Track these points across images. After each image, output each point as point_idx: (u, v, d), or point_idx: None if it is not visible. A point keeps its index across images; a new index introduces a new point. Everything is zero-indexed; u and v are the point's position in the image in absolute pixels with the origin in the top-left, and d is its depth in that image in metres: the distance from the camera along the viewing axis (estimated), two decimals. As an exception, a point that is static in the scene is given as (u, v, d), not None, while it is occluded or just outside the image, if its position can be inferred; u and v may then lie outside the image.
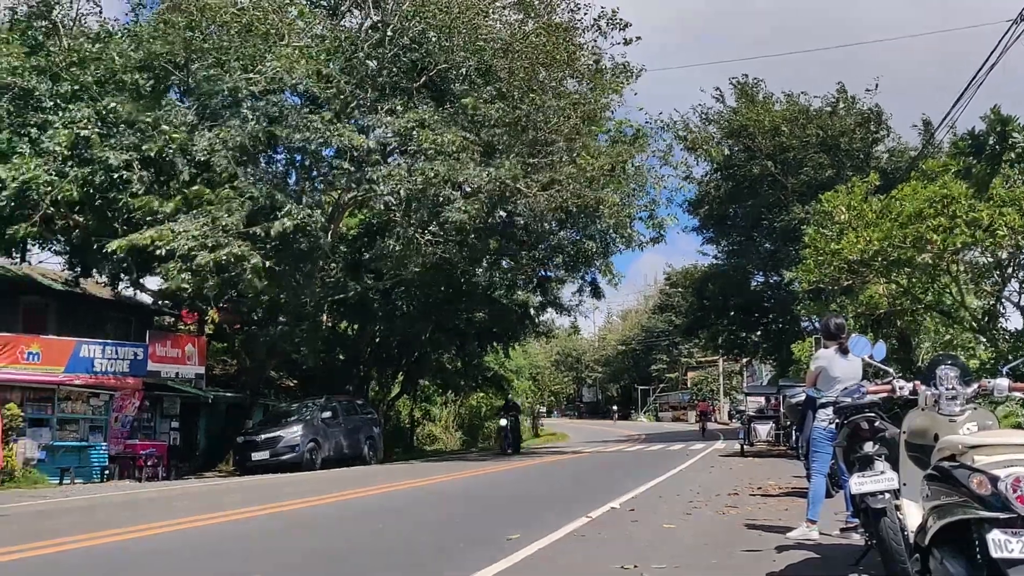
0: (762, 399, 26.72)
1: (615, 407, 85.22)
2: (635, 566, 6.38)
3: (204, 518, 10.20)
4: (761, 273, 41.25)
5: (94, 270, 24.43)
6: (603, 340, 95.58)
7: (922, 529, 3.95)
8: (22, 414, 19.18)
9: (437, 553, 7.39)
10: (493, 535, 8.04)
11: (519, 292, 27.37)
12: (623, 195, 25.61)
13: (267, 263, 19.45)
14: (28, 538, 8.45)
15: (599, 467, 20.97)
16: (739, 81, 35.74)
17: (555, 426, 64.13)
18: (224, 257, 18.28)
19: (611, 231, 26.84)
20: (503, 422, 30.10)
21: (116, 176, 18.93)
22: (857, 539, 6.69)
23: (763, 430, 24.35)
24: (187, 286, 18.93)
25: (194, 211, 18.97)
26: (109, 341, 22.35)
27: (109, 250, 18.99)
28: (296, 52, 19.63)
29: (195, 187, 19.09)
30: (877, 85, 35.24)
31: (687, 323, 49.01)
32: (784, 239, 34.21)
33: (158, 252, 18.29)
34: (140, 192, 18.84)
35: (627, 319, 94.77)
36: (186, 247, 18.03)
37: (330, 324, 30.30)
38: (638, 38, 25.04)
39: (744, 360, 62.03)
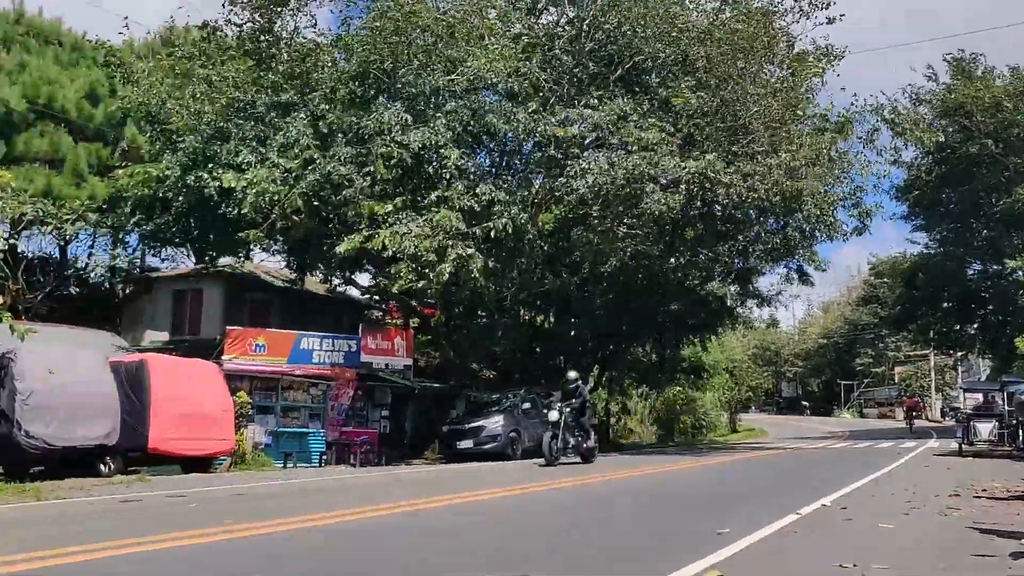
0: (980, 396, 25.05)
1: (806, 403, 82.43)
2: (854, 565, 6.19)
3: (411, 504, 10.70)
4: (978, 261, 38.94)
5: (313, 269, 26.13)
6: (803, 333, 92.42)
7: None
8: (251, 402, 20.79)
9: (647, 546, 7.45)
10: (701, 530, 8.01)
11: (715, 284, 26.90)
12: (826, 183, 24.66)
13: (489, 262, 20.10)
14: (263, 516, 9.17)
15: (802, 464, 20.37)
16: (955, 57, 33.66)
17: (753, 421, 62.82)
18: (454, 259, 19.04)
19: (814, 221, 25.91)
20: (553, 415, 18.36)
21: (339, 189, 19.98)
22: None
23: (984, 429, 22.80)
24: (425, 289, 19.76)
25: (411, 211, 19.76)
26: (326, 334, 23.77)
27: (339, 252, 20.19)
28: (495, 51, 20.12)
29: (446, 191, 19.85)
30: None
31: (895, 315, 46.90)
32: (1006, 225, 32.06)
33: (386, 254, 19.23)
34: (361, 200, 19.84)
35: (828, 311, 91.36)
36: (412, 248, 18.89)
37: (527, 318, 30.85)
38: (842, 16, 24.15)
39: (958, 354, 58.34)
